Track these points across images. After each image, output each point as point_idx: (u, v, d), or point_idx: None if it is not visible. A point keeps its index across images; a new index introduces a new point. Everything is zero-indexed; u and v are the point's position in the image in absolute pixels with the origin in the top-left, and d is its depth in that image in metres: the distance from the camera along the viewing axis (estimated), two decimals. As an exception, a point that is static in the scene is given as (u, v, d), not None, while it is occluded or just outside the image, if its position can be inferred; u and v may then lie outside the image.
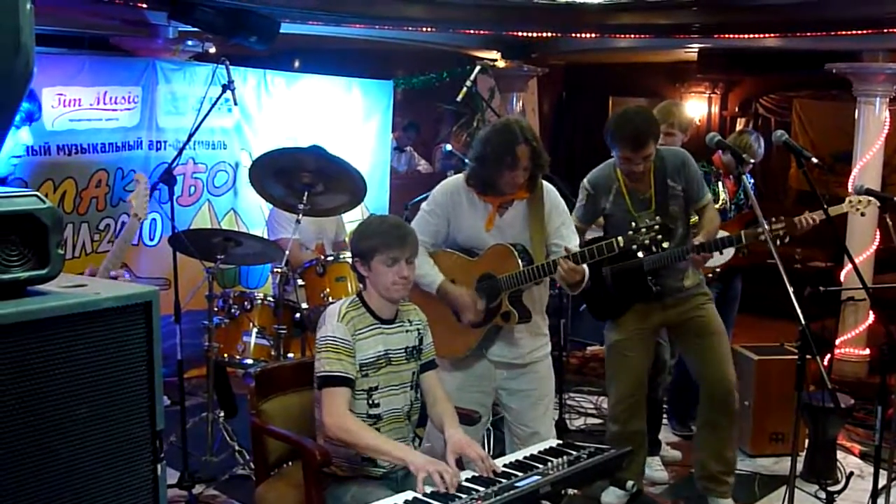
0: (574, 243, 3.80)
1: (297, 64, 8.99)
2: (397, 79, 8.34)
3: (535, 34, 7.27)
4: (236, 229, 6.71)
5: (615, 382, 4.51)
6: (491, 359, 3.85)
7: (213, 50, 6.89)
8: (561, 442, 3.28)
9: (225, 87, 4.66)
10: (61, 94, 5.70)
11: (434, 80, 8.61)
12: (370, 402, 3.18)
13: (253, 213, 6.74)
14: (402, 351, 3.27)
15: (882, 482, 4.09)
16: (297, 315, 4.82)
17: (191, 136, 4.73)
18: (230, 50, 6.86)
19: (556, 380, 4.22)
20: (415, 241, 3.29)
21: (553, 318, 4.75)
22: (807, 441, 5.07)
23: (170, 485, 4.42)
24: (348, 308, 3.21)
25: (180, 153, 4.49)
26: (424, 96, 8.80)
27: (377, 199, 7.60)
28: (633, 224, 3.56)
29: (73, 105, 5.76)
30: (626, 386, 4.46)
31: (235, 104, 4.90)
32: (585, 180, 4.42)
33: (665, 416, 5.45)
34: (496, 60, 8.32)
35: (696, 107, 10.32)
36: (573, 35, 7.32)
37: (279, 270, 4.58)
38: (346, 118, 7.45)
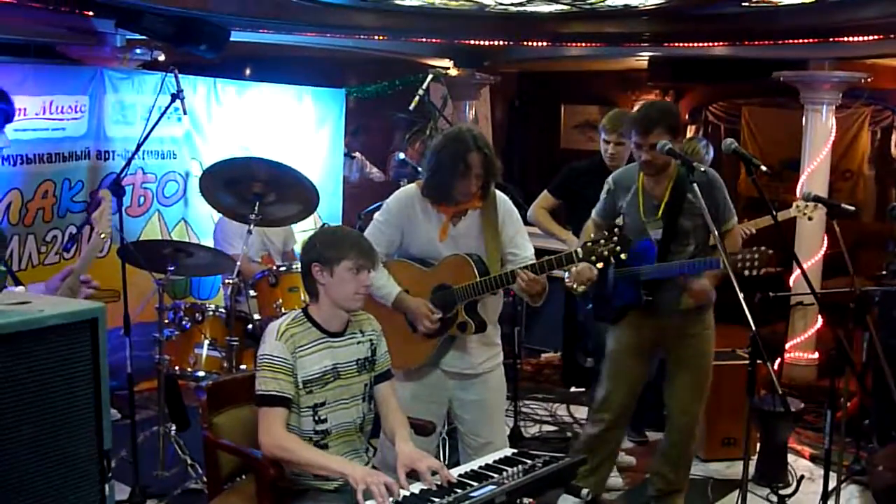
0: (529, 252, 3.81)
1: (248, 72, 8.92)
2: (349, 87, 8.31)
3: (487, 42, 7.29)
4: (187, 239, 6.64)
5: (605, 389, 4.46)
6: (444, 369, 3.85)
7: (162, 58, 6.81)
8: (516, 451, 3.28)
9: (174, 96, 4.60)
10: (7, 103, 5.59)
11: (387, 88, 8.58)
12: (316, 418, 3.14)
13: (204, 223, 6.66)
14: (353, 363, 3.24)
15: (832, 484, 4.15)
16: (250, 326, 4.78)
17: (139, 145, 4.66)
18: (180, 58, 6.77)
19: (511, 387, 4.23)
20: (376, 255, 3.28)
21: (507, 325, 4.76)
22: (758, 445, 5.13)
23: (121, 501, 4.35)
24: (289, 325, 3.17)
25: (129, 163, 4.43)
26: (377, 105, 8.78)
27: (330, 209, 7.55)
28: (592, 236, 3.57)
29: (18, 114, 5.62)
30: (616, 395, 4.40)
31: (185, 113, 4.84)
32: (610, 178, 4.37)
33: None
34: (448, 69, 8.33)
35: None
36: (525, 43, 7.35)
37: (231, 282, 4.53)
38: (297, 127, 7.40)
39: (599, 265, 3.58)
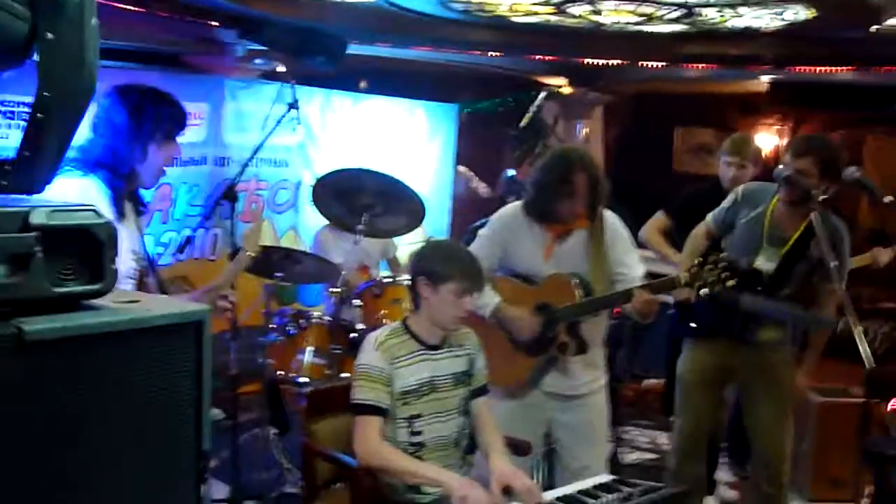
0: (638, 272, 3.73)
1: (363, 85, 9.06)
2: (462, 102, 8.34)
3: (602, 61, 7.21)
4: (296, 247, 6.76)
5: (679, 417, 4.37)
6: (544, 390, 3.79)
7: (281, 69, 6.96)
8: (614, 478, 3.20)
9: (290, 106, 4.69)
10: (132, 109, 5.79)
11: (499, 104, 8.59)
12: (411, 430, 3.14)
13: (312, 232, 6.76)
14: (450, 377, 3.22)
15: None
16: (353, 335, 4.81)
17: (255, 153, 4.77)
18: (297, 69, 6.91)
19: (612, 412, 4.14)
20: (484, 279, 3.27)
21: (611, 348, 4.67)
22: (869, 489, 4.90)
23: (219, 500, 4.43)
24: (388, 336, 3.18)
25: (243, 170, 4.52)
26: (489, 120, 8.80)
27: (437, 222, 7.60)
28: (700, 259, 3.48)
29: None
30: (686, 423, 4.32)
31: (300, 123, 4.93)
32: (741, 187, 4.22)
33: (723, 455, 5.31)
34: (562, 87, 8.28)
35: (766, 140, 10.15)
36: (641, 63, 7.25)
37: (336, 291, 4.58)
38: (409, 140, 7.48)
39: (704, 291, 3.48)
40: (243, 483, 4.46)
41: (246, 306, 5.46)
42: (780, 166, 3.91)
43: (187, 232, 5.93)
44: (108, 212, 2.70)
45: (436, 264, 3.15)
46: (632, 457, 5.76)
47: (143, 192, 2.99)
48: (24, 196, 1.43)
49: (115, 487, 1.38)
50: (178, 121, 2.90)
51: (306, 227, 6.80)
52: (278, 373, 4.76)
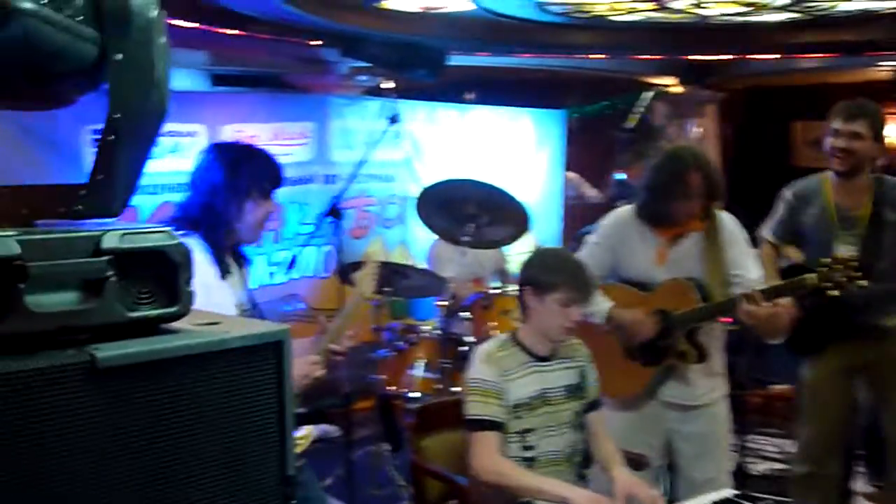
0: (755, 275, 3.54)
1: (471, 96, 9.03)
2: (569, 108, 8.22)
3: (711, 57, 6.97)
4: (406, 262, 6.76)
5: (806, 425, 4.15)
6: (662, 400, 3.63)
7: (389, 85, 6.98)
8: (738, 492, 3.03)
9: (391, 120, 4.67)
10: (240, 131, 5.90)
11: (608, 107, 8.43)
12: (523, 444, 3.03)
13: (422, 246, 6.75)
14: (562, 389, 3.11)
15: None
16: (462, 349, 4.74)
17: (357, 169, 4.77)
18: (402, 83, 6.93)
19: (737, 421, 3.96)
20: (593, 288, 3.14)
21: (732, 354, 4.47)
22: None
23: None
24: (496, 348, 3.09)
25: (347, 186, 4.53)
26: (599, 125, 8.64)
27: (548, 231, 7.49)
28: (826, 258, 3.30)
29: (250, 141, 5.94)
30: (817, 431, 4.09)
31: (402, 138, 4.91)
32: (787, 191, 4.05)
33: (860, 463, 5.01)
34: (672, 86, 8.06)
35: (893, 130, 9.67)
36: (752, 57, 6.98)
37: (444, 304, 4.53)
38: (516, 149, 7.39)
39: (835, 293, 3.28)
40: (357, 500, 4.44)
41: (354, 323, 5.48)
42: (828, 138, 3.75)
43: (297, 251, 5.98)
44: (211, 271, 2.69)
45: (541, 273, 3.05)
46: (759, 467, 5.50)
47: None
48: (101, 221, 1.40)
49: (197, 511, 1.33)
50: (275, 178, 2.83)
51: (416, 241, 6.78)
52: (389, 388, 4.73)
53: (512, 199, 4.63)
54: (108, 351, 1.25)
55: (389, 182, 6.73)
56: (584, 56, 6.76)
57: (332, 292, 4.84)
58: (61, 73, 1.37)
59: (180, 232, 2.67)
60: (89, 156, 5.25)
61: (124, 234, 1.31)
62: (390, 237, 6.80)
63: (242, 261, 2.92)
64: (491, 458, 2.95)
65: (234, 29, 5.14)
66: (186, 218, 2.71)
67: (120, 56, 1.36)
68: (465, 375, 3.14)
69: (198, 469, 1.33)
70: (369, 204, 6.66)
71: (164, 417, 1.29)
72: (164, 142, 5.19)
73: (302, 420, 5.82)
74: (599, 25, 5.76)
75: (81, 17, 1.32)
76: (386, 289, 4.66)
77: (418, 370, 4.71)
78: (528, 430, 3.04)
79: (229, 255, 2.81)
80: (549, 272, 3.03)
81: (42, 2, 1.26)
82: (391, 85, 6.86)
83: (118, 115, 1.37)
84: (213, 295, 2.61)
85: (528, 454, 3.04)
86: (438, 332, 4.77)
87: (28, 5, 1.23)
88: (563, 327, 3.02)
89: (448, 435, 3.30)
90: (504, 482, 2.93)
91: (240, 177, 2.72)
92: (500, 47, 6.28)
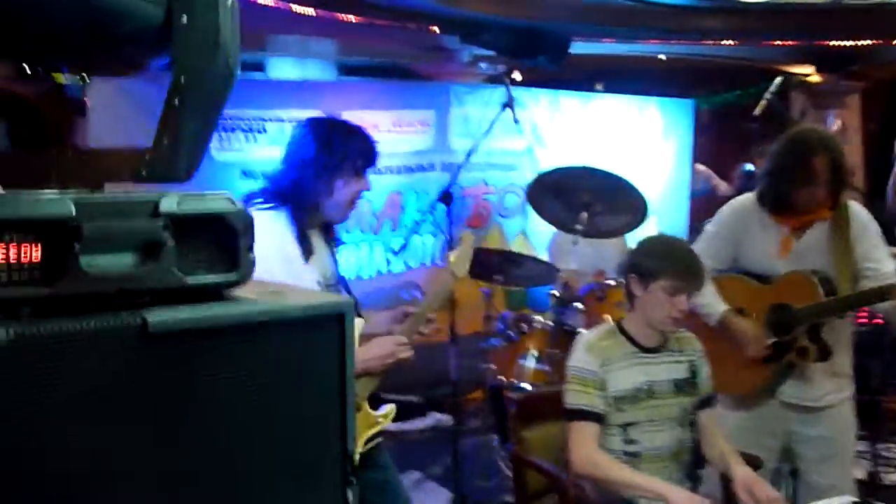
0: (889, 268, 3.31)
1: (600, 86, 8.86)
2: (698, 97, 7.94)
3: (853, 43, 6.59)
4: (525, 252, 6.67)
5: None
6: (782, 400, 3.43)
7: (516, 74, 6.89)
8: (857, 500, 2.83)
9: (504, 106, 4.59)
10: (360, 119, 5.91)
11: (739, 97, 8.11)
12: (626, 438, 2.91)
13: (542, 236, 6.65)
14: (669, 383, 2.97)
15: None
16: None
17: (469, 156, 4.71)
18: (526, 72, 6.85)
19: (870, 427, 3.72)
20: (703, 276, 2.98)
21: (866, 356, 4.21)
22: None
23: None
24: (600, 337, 2.98)
25: (457, 173, 4.48)
26: (728, 115, 8.33)
27: (674, 222, 7.27)
28: None
29: (371, 129, 5.95)
30: None
31: (517, 122, 4.82)
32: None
33: None
34: (809, 75, 7.68)
35: None
36: (897, 42, 6.56)
37: (556, 294, 4.42)
38: (642, 139, 7.20)
39: None
40: (465, 490, 4.40)
41: (466, 312, 5.43)
42: None
43: (415, 238, 5.98)
44: (294, 249, 2.67)
45: (646, 259, 2.92)
46: (893, 477, 5.18)
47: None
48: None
49: (252, 485, 1.30)
50: (368, 156, 2.78)
51: (535, 231, 6.68)
52: (500, 379, 4.66)
53: (629, 186, 4.48)
54: (160, 316, 1.22)
55: (510, 171, 6.65)
56: (714, 42, 6.49)
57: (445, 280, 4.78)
58: (127, 35, 1.36)
59: (267, 205, 2.69)
60: (215, 141, 5.38)
61: (183, 197, 1.29)
62: (510, 227, 6.72)
63: (333, 241, 2.89)
64: (587, 450, 2.85)
65: (356, 15, 5.15)
66: (275, 192, 2.69)
67: (185, 19, 1.34)
68: (566, 363, 3.04)
69: (249, 441, 1.29)
70: (488, 193, 6.59)
71: (216, 386, 1.26)
72: (284, 129, 5.26)
73: (415, 409, 5.85)
74: (730, 8, 5.51)
75: (145, -22, 1.31)
76: (497, 276, 4.60)
77: (530, 361, 4.61)
78: (630, 424, 2.92)
79: (317, 233, 2.78)
80: (654, 258, 2.90)
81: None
82: (513, 72, 6.79)
83: (183, 80, 1.34)
84: (294, 270, 2.60)
85: (631, 448, 2.92)
86: (551, 322, 4.66)
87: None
88: (669, 317, 2.88)
89: (551, 427, 3.21)
90: (599, 475, 2.83)
91: (332, 153, 2.68)
92: (625, 33, 6.09)
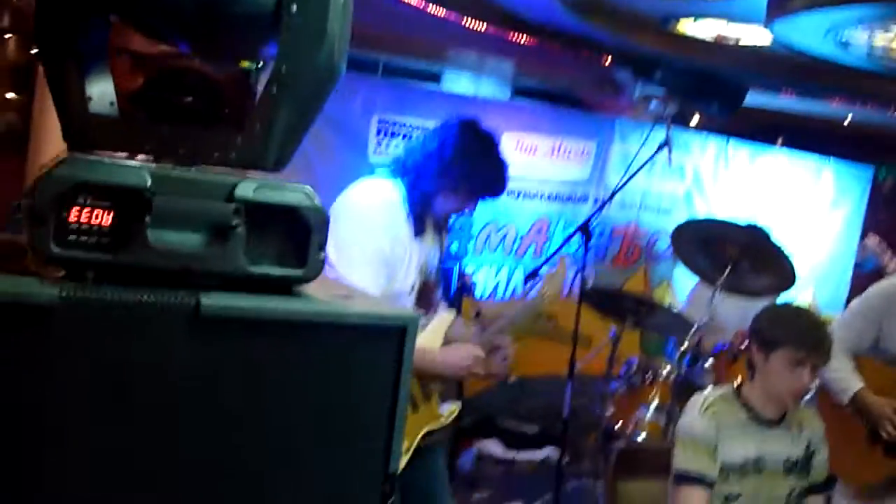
0: None
1: (780, 142, 8.51)
2: (880, 164, 7.48)
3: None
4: (667, 300, 6.47)
5: None
6: (907, 498, 3.18)
7: (695, 119, 6.69)
8: None
9: (661, 146, 4.45)
10: (519, 141, 5.89)
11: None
12: None
13: (689, 286, 6.42)
14: (781, 461, 2.78)
15: None
16: (699, 398, 4.43)
17: (614, 193, 4.60)
18: (695, 116, 6.64)
19: None
20: (828, 351, 2.78)
21: None
22: None
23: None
24: (716, 400, 2.81)
25: (601, 209, 4.36)
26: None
27: (834, 295, 6.89)
28: None
29: (528, 152, 5.93)
30: None
31: (670, 165, 4.67)
32: None
33: None
34: None
35: None
36: None
37: (684, 349, 4.24)
38: (810, 202, 6.85)
39: None
40: (561, 532, 4.27)
41: (588, 350, 5.30)
42: None
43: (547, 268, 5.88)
44: (405, 223, 2.69)
45: (768, 327, 2.76)
46: None
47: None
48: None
49: (282, 488, 1.26)
50: (491, 188, 2.81)
51: (682, 280, 6.46)
52: (615, 424, 4.50)
53: (779, 249, 4.24)
54: (216, 300, 1.21)
55: (665, 215, 6.46)
56: (899, 110, 6.11)
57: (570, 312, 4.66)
58: (239, 17, 1.36)
59: (391, 175, 2.72)
60: (374, 143, 5.46)
61: (261, 185, 1.28)
62: (656, 272, 6.52)
63: (444, 228, 2.89)
64: None
65: (529, 36, 5.11)
66: (403, 164, 2.75)
67: (295, 7, 1.32)
68: (678, 422, 2.90)
69: (286, 443, 1.26)
70: (638, 235, 6.42)
71: (261, 381, 1.23)
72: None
73: (530, 439, 5.75)
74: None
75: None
76: (628, 320, 4.47)
77: (649, 411, 4.44)
78: (733, 497, 2.75)
79: (429, 217, 2.80)
80: (776, 326, 2.73)
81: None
82: (692, 115, 6.59)
83: (283, 68, 1.33)
84: (398, 245, 2.62)
85: (730, 522, 2.75)
86: (676, 375, 4.48)
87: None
88: (791, 390, 2.70)
89: (648, 484, 3.06)
90: None
91: (463, 167, 2.69)
92: (801, 88, 5.80)
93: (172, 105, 1.72)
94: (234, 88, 1.49)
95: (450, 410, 2.88)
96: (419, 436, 2.80)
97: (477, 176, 2.72)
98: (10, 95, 6.26)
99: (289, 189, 1.30)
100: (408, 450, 2.76)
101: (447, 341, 2.84)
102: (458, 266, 5.38)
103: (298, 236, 1.30)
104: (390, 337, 1.31)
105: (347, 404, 1.30)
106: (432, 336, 2.84)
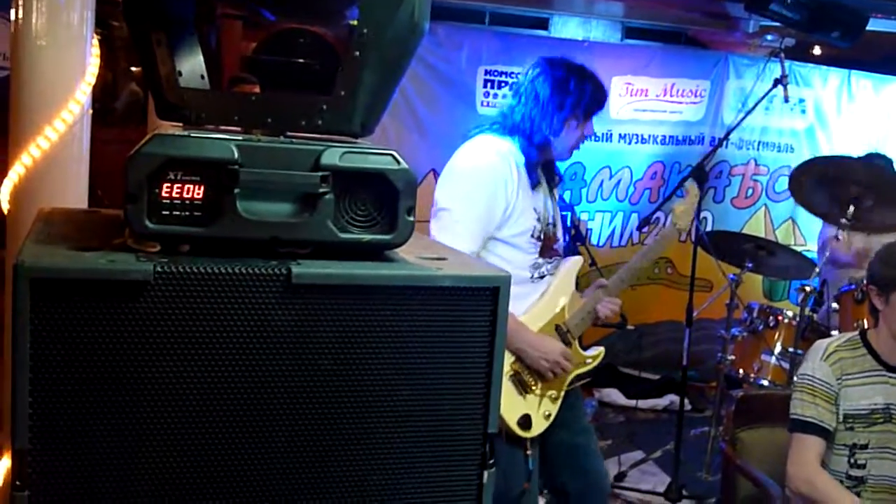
0: None
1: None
2: None
3: None
4: (792, 240, 6.25)
5: None
6: None
7: (816, 50, 6.38)
8: None
9: (777, 82, 4.28)
10: (629, 84, 5.75)
11: None
12: (852, 461, 2.64)
13: (814, 225, 6.18)
14: (912, 409, 2.66)
15: None
16: (825, 341, 4.27)
17: (728, 132, 4.44)
18: (820, 49, 6.35)
19: None
20: None
21: None
22: None
23: (657, 492, 4.25)
24: (839, 346, 2.70)
25: (714, 150, 4.21)
26: None
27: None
28: None
29: (639, 95, 5.79)
30: None
31: (786, 101, 4.47)
32: None
33: None
34: None
35: None
36: None
37: (807, 290, 4.09)
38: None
39: None
40: (684, 480, 4.21)
41: (711, 293, 5.19)
42: None
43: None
44: (522, 176, 2.69)
45: (883, 269, 2.63)
46: None
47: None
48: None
49: (387, 452, 1.28)
50: (599, 100, 2.81)
51: (807, 219, 6.21)
52: (737, 371, 4.39)
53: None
54: (305, 268, 1.22)
55: (786, 152, 6.22)
56: None
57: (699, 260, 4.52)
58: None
59: (501, 132, 2.72)
60: (481, 94, 5.43)
61: (346, 152, 1.27)
62: (778, 211, 6.29)
63: (555, 178, 2.90)
64: (807, 466, 2.62)
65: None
66: (507, 124, 2.76)
67: (374, -33, 1.31)
68: (798, 369, 2.80)
69: (384, 405, 1.27)
70: (758, 173, 6.21)
71: (356, 346, 1.24)
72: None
73: (652, 387, 5.68)
74: None
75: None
76: (748, 264, 4.34)
77: (772, 356, 4.32)
78: (860, 447, 2.65)
79: (541, 168, 2.81)
80: (890, 267, 2.60)
81: None
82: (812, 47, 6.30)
83: (366, 31, 1.32)
84: (518, 199, 2.63)
85: (857, 473, 2.66)
86: (800, 319, 4.33)
87: None
88: None
89: (771, 432, 2.97)
90: (816, 496, 2.59)
91: (567, 94, 2.71)
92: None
93: (286, 67, 1.73)
94: (344, 48, 1.47)
95: (595, 353, 2.91)
96: (567, 383, 2.84)
97: (583, 93, 2.74)
98: (134, 69, 6.47)
99: (375, 154, 1.29)
100: (556, 398, 2.81)
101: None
102: (571, 214, 5.33)
103: (387, 201, 1.29)
104: (484, 297, 1.30)
105: (443, 364, 1.29)
106: (567, 279, 2.87)
